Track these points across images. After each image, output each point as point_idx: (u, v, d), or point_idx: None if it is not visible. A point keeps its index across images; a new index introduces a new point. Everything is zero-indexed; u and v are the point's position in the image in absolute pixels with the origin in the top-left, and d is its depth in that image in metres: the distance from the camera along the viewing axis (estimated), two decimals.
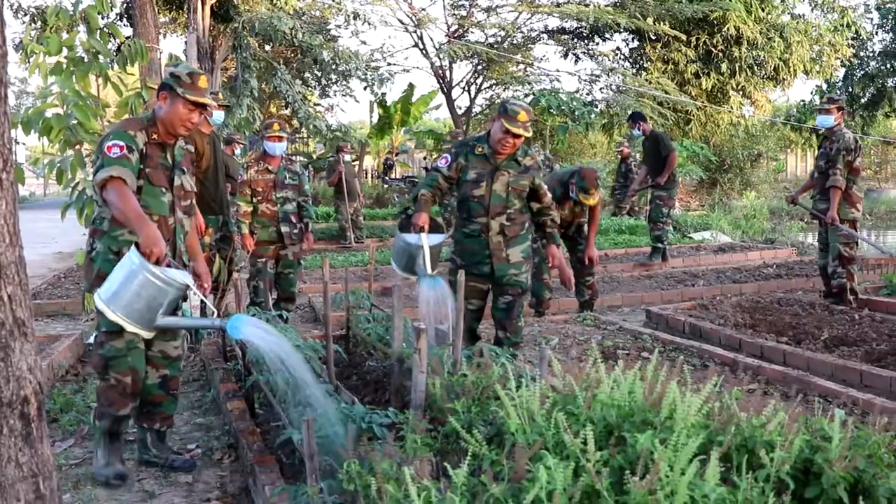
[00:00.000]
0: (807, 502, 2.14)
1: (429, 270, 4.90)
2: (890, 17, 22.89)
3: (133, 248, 3.42)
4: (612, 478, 2.03)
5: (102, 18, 6.17)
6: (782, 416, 2.23)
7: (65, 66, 5.62)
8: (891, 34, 23.23)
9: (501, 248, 5.06)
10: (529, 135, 4.94)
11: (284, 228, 6.76)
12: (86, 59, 5.65)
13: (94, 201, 3.84)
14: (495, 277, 5.10)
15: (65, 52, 5.66)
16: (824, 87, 22.78)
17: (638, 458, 2.04)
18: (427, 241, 4.91)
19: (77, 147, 5.65)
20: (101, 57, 5.74)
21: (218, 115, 6.93)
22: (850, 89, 22.21)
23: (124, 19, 14.34)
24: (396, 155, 23.35)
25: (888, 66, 23.09)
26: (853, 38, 21.31)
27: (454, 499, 1.99)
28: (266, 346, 3.47)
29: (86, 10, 5.57)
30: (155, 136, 3.79)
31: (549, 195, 5.24)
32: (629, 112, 11.97)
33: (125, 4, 14.03)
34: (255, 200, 6.70)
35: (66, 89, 5.43)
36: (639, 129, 10.17)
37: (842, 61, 20.80)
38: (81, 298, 6.58)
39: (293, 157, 7.38)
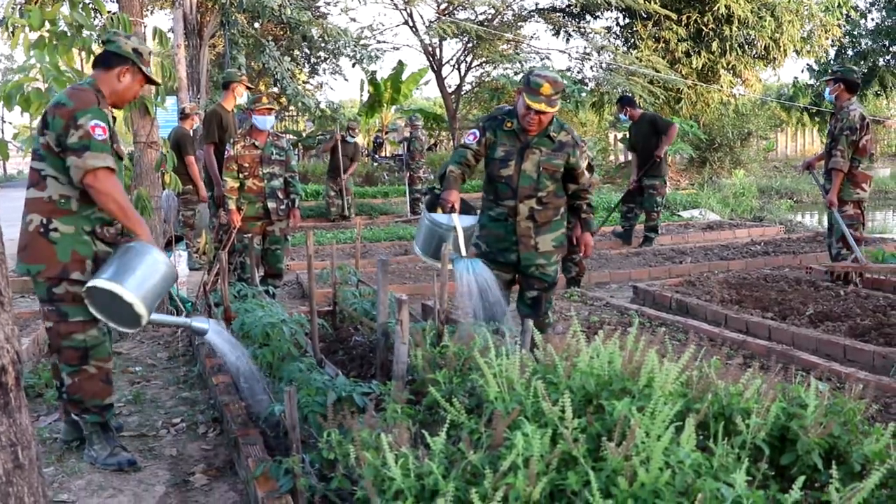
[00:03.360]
0: (782, 468, 2.15)
1: (464, 252, 4.39)
2: None
3: (141, 241, 3.53)
4: (589, 444, 2.04)
5: None
6: (759, 384, 2.24)
7: (47, 40, 5.55)
8: (884, 12, 23.19)
9: (530, 235, 4.56)
10: (555, 110, 4.37)
11: (271, 204, 6.74)
12: (69, 34, 5.59)
13: (54, 178, 3.53)
14: (521, 267, 4.64)
15: (47, 25, 5.59)
16: (815, 66, 22.77)
17: (615, 425, 2.05)
18: (459, 222, 4.39)
19: None
20: (84, 31, 5.68)
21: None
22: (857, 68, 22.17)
23: None
24: (386, 133, 23.26)
25: (880, 44, 23.07)
26: (845, 18, 21.27)
27: (431, 465, 2.00)
28: (225, 352, 3.77)
29: None
30: (106, 108, 3.68)
31: (588, 175, 4.65)
32: (618, 95, 11.72)
33: None
34: (241, 176, 6.68)
35: (45, 63, 5.37)
36: (625, 115, 9.96)
37: (833, 41, 20.76)
38: None
39: (281, 134, 7.33)
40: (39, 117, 3.71)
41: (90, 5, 5.82)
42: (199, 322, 3.87)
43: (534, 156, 4.50)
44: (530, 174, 4.50)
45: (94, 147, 3.45)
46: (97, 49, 5.84)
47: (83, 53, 5.85)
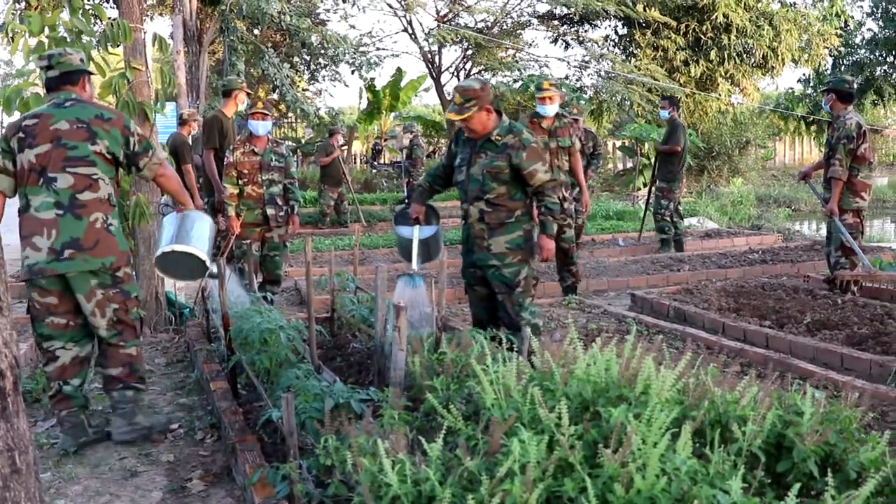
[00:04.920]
0: (778, 476, 2.16)
1: (415, 266, 4.78)
2: (881, 4, 22.94)
3: (189, 209, 4.35)
4: (585, 451, 2.05)
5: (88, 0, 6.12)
6: (754, 392, 2.25)
7: (47, 45, 5.57)
8: (880, 22, 23.28)
9: (483, 237, 4.73)
10: (464, 116, 4.54)
11: (270, 211, 6.74)
12: (68, 39, 5.60)
13: (103, 180, 3.95)
14: (478, 266, 4.83)
15: (47, 31, 5.61)
16: (813, 75, 22.85)
17: (612, 431, 2.05)
18: (418, 234, 4.86)
19: None
20: (84, 37, 5.69)
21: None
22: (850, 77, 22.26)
23: (110, 0, 14.21)
24: (385, 140, 23.28)
25: (877, 54, 23.16)
26: (842, 28, 21.36)
27: (428, 472, 2.00)
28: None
29: None
30: None
31: (542, 175, 4.67)
32: (663, 97, 11.70)
33: None
34: (241, 182, 6.68)
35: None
36: (666, 111, 10.14)
37: (830, 50, 20.83)
38: None
39: (280, 140, 7.34)
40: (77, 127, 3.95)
41: (90, 11, 5.84)
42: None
43: (480, 160, 4.71)
44: (477, 177, 4.71)
45: (151, 145, 4.16)
46: (97, 55, 5.88)
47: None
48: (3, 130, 4.02)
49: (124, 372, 4.12)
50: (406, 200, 5.68)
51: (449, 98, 19.79)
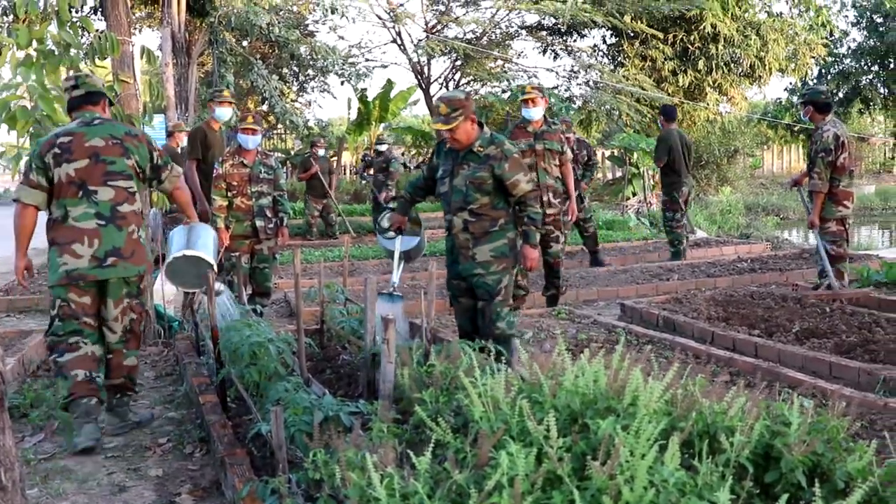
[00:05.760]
0: (767, 486, 2.16)
1: (396, 280, 5.01)
2: (865, 15, 23.15)
3: (194, 221, 4.78)
4: (574, 463, 2.05)
5: (76, 12, 6.11)
6: (743, 402, 2.26)
7: (34, 58, 5.56)
8: (865, 32, 23.49)
9: (468, 246, 4.79)
10: (451, 126, 4.62)
11: (259, 223, 6.72)
12: (56, 53, 5.60)
13: (137, 194, 4.35)
14: (465, 277, 4.87)
15: (35, 44, 5.60)
16: (798, 84, 23.02)
17: (600, 443, 2.05)
18: (400, 245, 5.01)
19: None
20: (72, 50, 5.69)
21: (221, 112, 7.09)
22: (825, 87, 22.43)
23: (98, 12, 14.19)
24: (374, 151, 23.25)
25: (862, 64, 23.35)
26: (828, 38, 21.53)
27: (417, 485, 2.00)
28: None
29: (56, 2, 5.51)
30: None
31: (524, 185, 4.74)
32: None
33: None
34: (230, 195, 6.66)
35: (30, 81, 5.38)
36: (661, 122, 10.32)
37: (816, 60, 20.99)
38: None
39: (269, 152, 7.35)
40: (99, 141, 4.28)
41: (78, 24, 5.84)
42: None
43: (463, 171, 4.77)
44: (460, 188, 4.77)
45: (170, 160, 4.59)
46: (85, 68, 5.87)
47: (71, 72, 5.85)
48: (38, 148, 4.28)
49: (125, 382, 4.47)
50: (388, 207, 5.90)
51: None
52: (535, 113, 6.88)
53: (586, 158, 9.87)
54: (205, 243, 4.76)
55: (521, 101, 7.07)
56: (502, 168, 4.69)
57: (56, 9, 5.58)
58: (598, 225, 12.54)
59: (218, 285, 4.85)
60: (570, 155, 7.19)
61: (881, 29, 22.62)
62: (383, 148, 14.52)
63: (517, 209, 4.84)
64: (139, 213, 4.36)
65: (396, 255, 5.03)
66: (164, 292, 6.76)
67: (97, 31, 6.07)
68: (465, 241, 4.79)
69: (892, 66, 23.09)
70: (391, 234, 5.22)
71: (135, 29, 17.45)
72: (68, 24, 5.65)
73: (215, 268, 4.76)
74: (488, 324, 4.79)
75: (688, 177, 10.20)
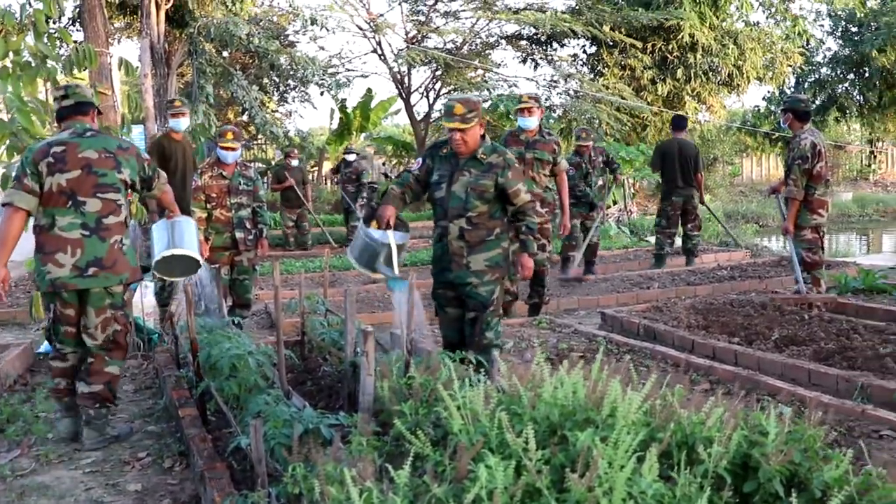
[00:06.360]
0: (745, 496, 2.17)
1: (396, 272, 4.66)
2: (840, 24, 23.42)
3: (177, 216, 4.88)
4: (553, 476, 2.05)
5: (54, 23, 6.08)
6: (720, 413, 2.27)
7: (11, 70, 5.52)
8: (840, 41, 23.76)
9: (462, 255, 4.72)
10: (469, 126, 4.62)
11: (239, 234, 6.70)
12: (33, 64, 5.56)
13: (123, 205, 4.43)
14: (457, 286, 4.80)
15: (11, 56, 5.56)
16: (777, 93, 23.24)
17: (578, 455, 2.06)
18: (393, 238, 4.66)
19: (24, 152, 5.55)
20: (49, 62, 5.65)
21: (175, 122, 7.09)
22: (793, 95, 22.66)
23: (77, 24, 14.12)
24: (363, 158, 23.23)
25: (838, 72, 23.61)
26: (804, 46, 21.76)
27: (395, 499, 1.99)
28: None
29: (33, 13, 5.48)
30: None
31: (525, 196, 4.80)
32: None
33: (77, 9, 13.85)
34: (209, 206, 6.64)
35: (7, 93, 5.34)
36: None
37: (793, 68, 21.20)
38: (29, 307, 6.46)
39: (248, 163, 7.34)
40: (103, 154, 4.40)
41: (55, 35, 5.81)
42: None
43: (463, 177, 4.71)
44: (459, 195, 4.71)
45: (158, 169, 4.77)
46: (62, 79, 5.84)
47: (48, 84, 5.82)
48: (32, 155, 4.32)
49: (104, 390, 4.43)
50: (372, 203, 5.52)
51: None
52: (531, 122, 6.91)
53: (604, 161, 9.89)
54: (190, 238, 4.86)
55: (516, 110, 7.11)
56: (505, 177, 4.70)
57: (33, 20, 5.55)
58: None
59: (203, 273, 5.11)
60: (564, 165, 7.20)
61: (856, 38, 22.89)
62: (351, 158, 14.30)
63: (516, 218, 4.84)
64: (124, 222, 4.43)
65: (394, 247, 4.62)
66: (143, 305, 6.72)
67: (75, 42, 6.04)
68: (460, 249, 4.73)
69: (866, 74, 23.35)
70: (380, 229, 4.75)
71: (114, 39, 17.39)
72: (45, 35, 5.61)
73: (201, 261, 4.92)
74: (477, 333, 4.76)
75: (685, 187, 10.16)
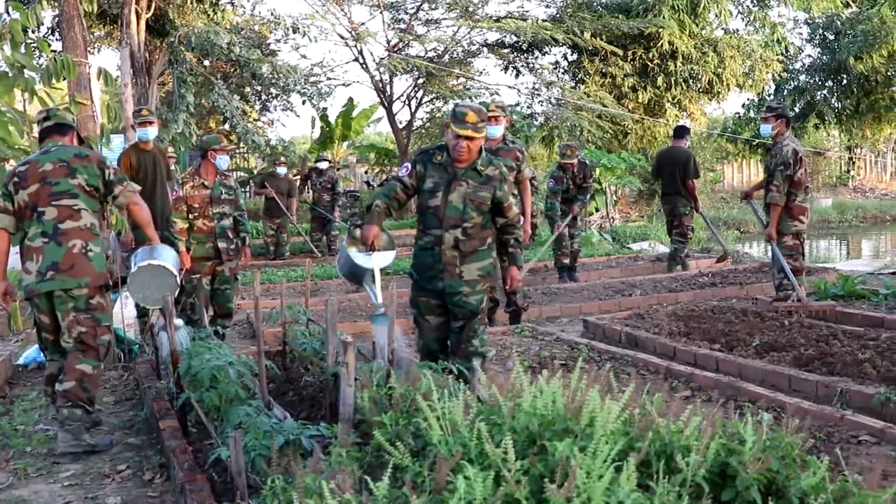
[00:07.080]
0: None
1: (379, 299, 4.69)
2: (818, 32, 23.63)
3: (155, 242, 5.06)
4: (531, 486, 2.05)
5: (32, 32, 6.05)
6: (698, 421, 2.28)
7: None
8: (818, 49, 23.97)
9: (455, 264, 4.68)
10: (481, 136, 4.63)
11: (221, 244, 6.68)
12: (10, 74, 5.53)
13: (86, 210, 4.54)
14: (447, 295, 4.75)
15: None
16: (756, 100, 23.41)
17: (557, 465, 2.06)
18: (378, 261, 4.70)
19: (2, 163, 5.53)
20: (26, 72, 5.62)
21: (143, 132, 7.04)
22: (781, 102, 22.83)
23: (55, 33, 14.04)
24: (338, 170, 23.18)
25: (816, 79, 23.81)
26: (783, 54, 21.93)
27: None
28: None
29: (9, 23, 5.45)
30: None
31: (515, 209, 4.87)
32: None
33: (56, 18, 13.77)
34: (191, 216, 6.61)
35: None
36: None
37: (773, 76, 21.37)
38: (8, 319, 6.41)
39: (228, 172, 7.32)
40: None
41: (33, 45, 5.77)
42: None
43: (460, 188, 4.68)
44: (456, 205, 4.67)
45: (126, 178, 4.87)
46: (40, 90, 5.81)
47: (25, 94, 5.79)
48: (4, 177, 4.70)
49: (76, 388, 4.45)
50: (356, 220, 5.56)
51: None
52: (496, 131, 6.91)
53: (580, 180, 9.95)
54: (167, 258, 5.07)
55: None
56: (502, 189, 4.74)
57: (10, 30, 5.52)
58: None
59: (177, 321, 4.96)
60: (527, 173, 7.22)
61: (833, 46, 23.10)
62: (324, 166, 14.15)
63: (505, 231, 4.88)
64: (87, 228, 4.54)
65: (377, 274, 4.69)
66: (124, 315, 6.67)
67: (53, 52, 6.00)
68: (453, 259, 4.70)
69: (844, 81, 23.56)
70: (363, 250, 4.79)
71: (93, 48, 17.28)
72: (22, 45, 5.58)
73: (179, 281, 5.08)
74: (464, 341, 4.75)
75: (673, 195, 10.31)
